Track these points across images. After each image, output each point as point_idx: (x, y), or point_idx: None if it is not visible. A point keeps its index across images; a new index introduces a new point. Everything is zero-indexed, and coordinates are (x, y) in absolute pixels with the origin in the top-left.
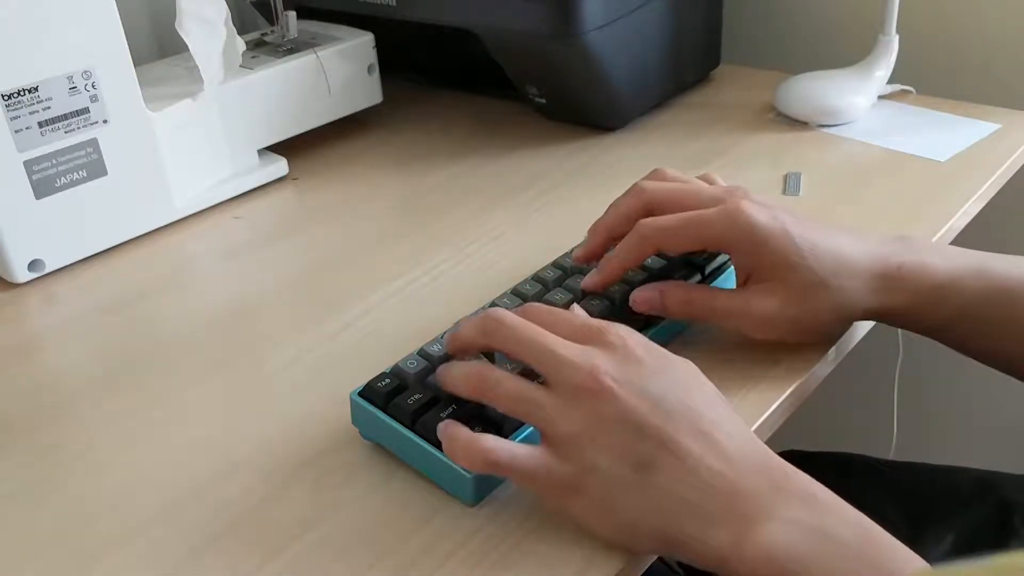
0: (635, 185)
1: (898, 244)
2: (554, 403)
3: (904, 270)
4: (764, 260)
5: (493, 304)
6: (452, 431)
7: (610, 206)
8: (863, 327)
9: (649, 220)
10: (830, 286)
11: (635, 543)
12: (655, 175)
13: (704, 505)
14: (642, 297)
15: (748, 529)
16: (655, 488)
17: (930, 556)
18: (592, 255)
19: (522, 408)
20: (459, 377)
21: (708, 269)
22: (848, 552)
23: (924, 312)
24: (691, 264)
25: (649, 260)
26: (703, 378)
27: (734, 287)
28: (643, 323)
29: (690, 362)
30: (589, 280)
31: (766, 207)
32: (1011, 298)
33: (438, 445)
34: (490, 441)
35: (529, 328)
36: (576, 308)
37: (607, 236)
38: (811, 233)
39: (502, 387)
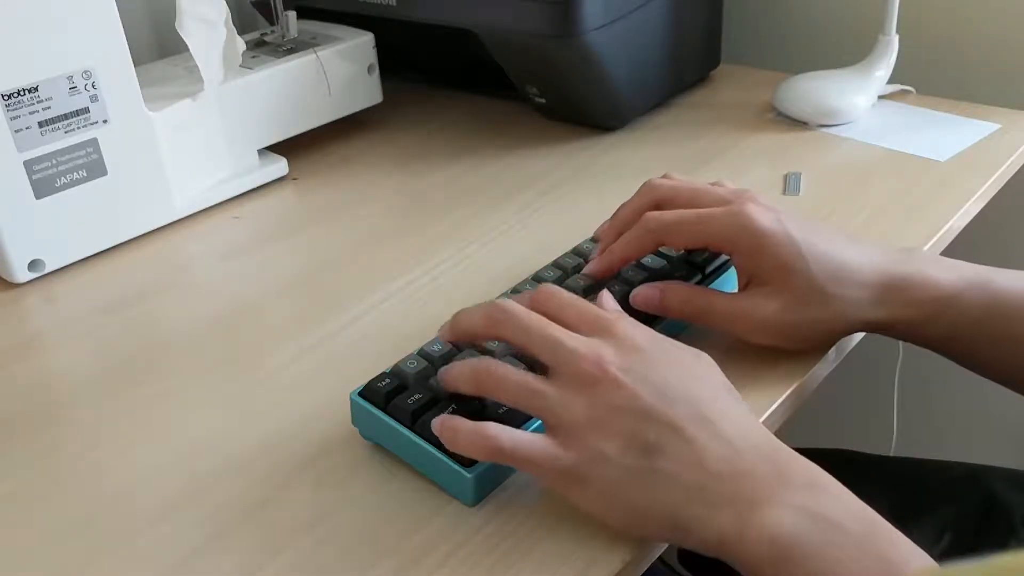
0: (646, 183)
1: (902, 255)
2: (558, 392)
3: (908, 282)
4: (765, 263)
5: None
6: (452, 423)
7: (620, 206)
8: None
9: (655, 213)
10: (831, 293)
11: (642, 529)
12: (665, 177)
13: (709, 488)
14: (642, 295)
15: (751, 512)
16: (660, 473)
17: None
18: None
19: (526, 399)
20: (463, 373)
21: (708, 269)
22: (852, 541)
23: (926, 325)
24: (692, 264)
25: (649, 260)
26: (712, 367)
27: (734, 289)
28: (643, 322)
29: (703, 353)
30: (591, 267)
31: (772, 211)
32: (1014, 313)
33: (438, 445)
34: (493, 428)
35: (535, 319)
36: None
37: (618, 236)
38: (815, 239)
39: (507, 381)
